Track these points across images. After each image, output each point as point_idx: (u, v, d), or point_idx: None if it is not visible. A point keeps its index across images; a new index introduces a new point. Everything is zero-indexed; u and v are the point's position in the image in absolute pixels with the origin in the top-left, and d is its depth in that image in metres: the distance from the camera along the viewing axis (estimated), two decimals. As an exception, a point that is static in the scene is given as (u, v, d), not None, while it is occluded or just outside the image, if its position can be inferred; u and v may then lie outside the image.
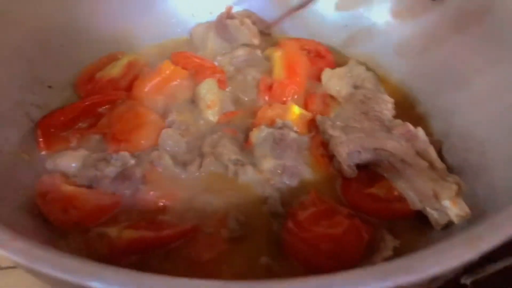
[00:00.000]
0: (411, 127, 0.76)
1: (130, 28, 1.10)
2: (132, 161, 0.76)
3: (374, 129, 0.79)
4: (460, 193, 0.67)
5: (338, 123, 0.82)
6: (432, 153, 0.73)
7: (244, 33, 1.09)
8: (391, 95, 0.99)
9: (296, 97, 0.97)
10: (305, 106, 0.95)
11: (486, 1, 0.84)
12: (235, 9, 1.16)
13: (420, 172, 0.71)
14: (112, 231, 0.66)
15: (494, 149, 0.76)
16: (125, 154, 0.76)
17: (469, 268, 0.70)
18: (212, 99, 0.90)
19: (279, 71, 0.99)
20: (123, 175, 0.74)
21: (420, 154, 0.73)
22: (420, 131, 0.75)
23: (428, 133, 0.91)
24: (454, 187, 0.67)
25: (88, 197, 0.72)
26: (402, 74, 1.04)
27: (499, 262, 0.75)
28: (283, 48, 1.05)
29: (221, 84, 0.95)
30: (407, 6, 1.07)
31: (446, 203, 0.67)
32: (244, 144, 0.85)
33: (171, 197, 0.75)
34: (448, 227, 0.70)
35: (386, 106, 0.82)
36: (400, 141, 0.75)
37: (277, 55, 1.02)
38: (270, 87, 0.98)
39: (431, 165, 0.71)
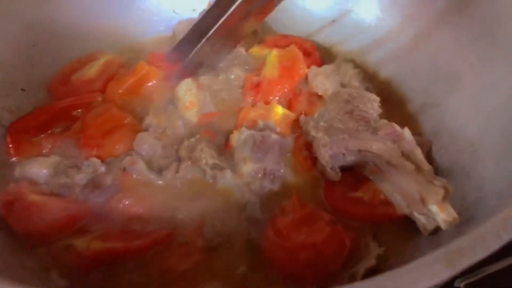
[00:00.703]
0: (397, 127, 0.73)
1: (110, 26, 1.06)
2: (103, 168, 0.72)
3: (359, 130, 0.75)
4: (447, 198, 0.64)
5: (321, 123, 0.78)
6: (419, 154, 0.70)
7: (227, 31, 1.05)
8: (379, 92, 0.96)
9: (282, 97, 0.93)
10: (289, 105, 0.92)
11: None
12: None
13: (406, 175, 0.68)
14: (80, 243, 0.63)
15: (485, 150, 0.72)
16: (96, 160, 0.73)
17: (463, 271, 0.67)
18: (190, 99, 0.86)
19: (271, 70, 0.95)
20: (93, 183, 0.70)
21: (407, 156, 0.69)
22: (406, 132, 0.71)
23: (418, 133, 0.88)
24: (441, 191, 0.63)
25: (56, 206, 0.68)
26: (392, 71, 1.01)
27: (493, 264, 0.73)
28: (281, 47, 1.00)
29: None
30: (396, 1, 1.03)
31: (433, 208, 0.63)
32: (224, 147, 0.81)
33: (145, 205, 0.71)
34: (436, 232, 0.66)
35: (372, 105, 0.78)
36: (386, 142, 0.71)
37: (273, 54, 0.98)
38: (256, 86, 0.94)
39: (418, 168, 0.68)
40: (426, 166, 0.68)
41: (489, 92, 0.77)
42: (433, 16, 0.94)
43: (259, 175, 0.75)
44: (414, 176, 0.67)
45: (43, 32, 0.94)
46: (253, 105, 0.90)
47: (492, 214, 0.51)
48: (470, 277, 0.73)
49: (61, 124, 0.84)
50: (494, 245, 0.40)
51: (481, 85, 0.80)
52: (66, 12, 0.99)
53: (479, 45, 0.82)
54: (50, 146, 0.80)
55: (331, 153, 0.72)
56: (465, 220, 0.64)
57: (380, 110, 0.82)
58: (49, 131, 0.82)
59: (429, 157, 0.81)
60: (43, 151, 0.80)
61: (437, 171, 0.79)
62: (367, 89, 0.92)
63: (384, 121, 0.76)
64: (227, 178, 0.74)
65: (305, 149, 0.81)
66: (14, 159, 0.78)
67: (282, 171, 0.77)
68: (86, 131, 0.79)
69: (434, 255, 0.38)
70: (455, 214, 0.63)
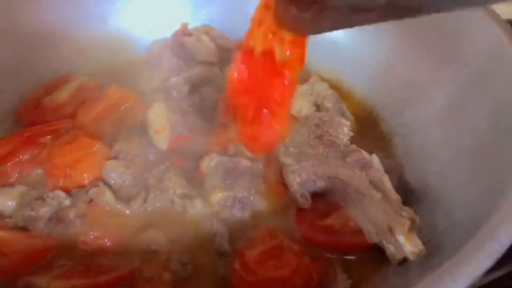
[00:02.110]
0: (365, 154, 0.72)
1: (82, 47, 1.05)
2: (67, 201, 0.70)
3: (328, 155, 0.74)
4: (413, 229, 0.63)
5: (291, 149, 0.77)
6: (387, 183, 0.69)
7: (201, 51, 1.05)
8: (354, 112, 0.96)
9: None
10: (264, 127, 0.90)
11: (443, 21, 0.80)
12: (194, 25, 1.12)
13: (374, 204, 0.67)
14: (41, 281, 0.61)
15: (453, 174, 0.72)
16: (60, 193, 0.71)
17: None
18: (160, 123, 0.85)
19: None
20: (57, 217, 0.69)
21: (375, 184, 0.69)
22: (374, 159, 0.71)
23: (391, 154, 0.88)
24: (407, 222, 0.62)
25: (19, 242, 0.66)
26: (366, 90, 1.01)
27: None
28: None
29: None
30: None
31: (400, 238, 0.63)
32: (195, 173, 0.80)
33: (112, 237, 0.70)
34: (405, 262, 0.66)
35: (343, 130, 0.77)
36: (355, 170, 0.70)
37: None
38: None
39: (385, 197, 0.67)
40: (394, 195, 0.68)
41: (457, 114, 0.77)
42: (407, 36, 0.93)
43: (229, 204, 0.74)
44: (381, 205, 0.66)
45: (10, 55, 0.92)
46: (225, 127, 0.89)
47: (458, 247, 0.51)
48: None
49: (30, 152, 0.82)
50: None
51: (450, 105, 0.80)
52: (35, 33, 0.97)
53: (449, 66, 0.82)
54: (16, 175, 0.78)
55: (300, 180, 0.72)
56: (435, 249, 0.64)
57: (351, 134, 0.81)
58: (17, 160, 0.80)
59: (402, 181, 0.81)
60: (10, 180, 0.78)
61: (410, 195, 0.79)
62: (341, 110, 0.92)
63: (354, 146, 0.75)
64: (196, 208, 0.73)
65: (278, 174, 0.80)
66: (-22, 190, 0.76)
67: (252, 198, 0.75)
68: (53, 160, 0.78)
69: None
70: (421, 246, 0.62)
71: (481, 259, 0.43)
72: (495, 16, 0.75)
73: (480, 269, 0.43)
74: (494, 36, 0.73)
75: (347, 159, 0.72)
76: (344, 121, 0.79)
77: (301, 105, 0.92)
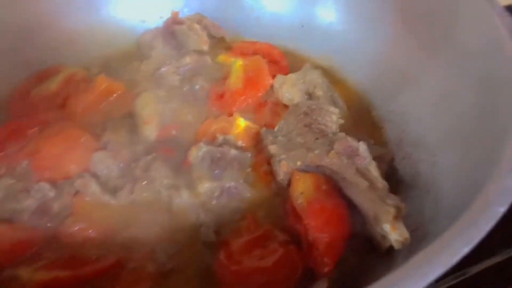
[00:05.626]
0: (352, 142, 0.71)
1: (73, 37, 1.04)
2: (51, 193, 0.70)
3: (316, 144, 0.73)
4: (399, 217, 0.62)
5: (280, 137, 0.76)
6: (374, 171, 0.68)
7: (192, 39, 1.04)
8: (346, 99, 0.95)
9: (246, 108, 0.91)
10: (255, 117, 0.90)
11: (436, 8, 0.78)
12: (186, 13, 1.11)
13: (361, 192, 0.66)
14: (24, 273, 0.61)
15: (444, 163, 0.71)
16: (44, 185, 0.71)
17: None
18: (149, 113, 0.84)
19: (236, 80, 0.93)
20: (42, 209, 0.68)
21: (362, 172, 0.67)
22: (361, 147, 0.70)
23: (383, 141, 0.87)
24: (392, 210, 0.61)
25: (3, 234, 0.66)
26: (359, 76, 1.00)
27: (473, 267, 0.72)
28: (245, 57, 0.98)
29: None
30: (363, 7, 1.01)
31: (386, 227, 0.62)
32: (183, 163, 0.79)
33: (98, 228, 0.70)
34: (391, 251, 0.65)
35: (331, 118, 0.76)
36: (341, 158, 0.69)
37: (238, 63, 0.96)
38: (220, 97, 0.93)
39: (372, 185, 0.66)
40: (380, 183, 0.67)
41: (449, 101, 0.75)
42: (400, 23, 0.92)
43: (216, 194, 0.73)
44: (368, 193, 0.65)
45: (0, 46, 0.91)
46: (217, 117, 0.88)
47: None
48: (450, 280, 0.73)
49: (17, 144, 0.81)
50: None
51: (443, 93, 0.78)
52: (25, 24, 0.96)
53: (441, 53, 0.80)
54: (3, 168, 0.78)
55: (287, 170, 0.71)
56: (421, 238, 0.63)
57: (341, 122, 0.80)
58: (3, 152, 0.80)
59: (392, 168, 0.80)
60: (-3, 173, 0.78)
61: (400, 183, 0.78)
62: (332, 98, 0.91)
63: (341, 134, 0.74)
64: (183, 198, 0.73)
65: (266, 163, 0.79)
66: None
67: (240, 188, 0.75)
68: (40, 151, 0.77)
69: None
70: (406, 234, 0.61)
71: (458, 246, 0.42)
72: (492, 1, 0.73)
73: (457, 255, 0.42)
74: (490, 23, 0.71)
75: (334, 147, 0.70)
76: (332, 109, 0.78)
77: (292, 93, 0.91)
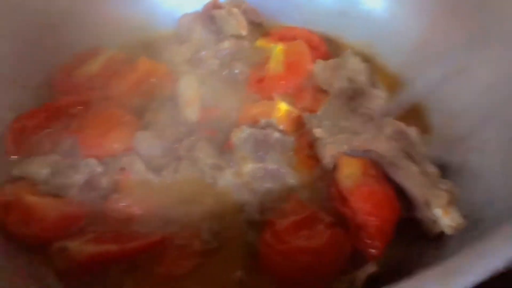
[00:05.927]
0: (402, 126, 0.69)
1: (113, 20, 1.05)
2: (99, 169, 0.71)
3: (363, 128, 0.72)
4: (452, 202, 0.61)
5: (324, 122, 0.75)
6: (423, 156, 0.66)
7: (231, 24, 1.03)
8: (388, 86, 0.93)
9: (286, 93, 0.90)
10: (295, 101, 0.89)
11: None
12: (226, -2, 1.10)
13: (410, 177, 0.65)
14: (74, 245, 0.62)
15: (492, 150, 0.69)
16: (92, 161, 0.71)
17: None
18: (191, 95, 0.84)
19: (276, 65, 0.93)
20: (90, 184, 0.69)
21: (411, 157, 0.66)
22: (412, 131, 0.68)
23: (427, 129, 0.85)
24: (446, 195, 0.60)
25: (52, 208, 0.67)
26: (400, 63, 0.97)
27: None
28: (287, 41, 0.98)
29: None
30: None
31: (437, 212, 0.61)
32: (225, 145, 0.79)
33: (143, 206, 0.70)
34: (442, 236, 0.64)
35: (377, 102, 0.75)
36: (390, 142, 0.68)
37: (279, 48, 0.95)
38: (260, 82, 0.92)
39: (422, 170, 0.65)
40: (431, 168, 0.65)
41: (497, 89, 0.73)
42: (446, 12, 0.89)
43: (259, 175, 0.73)
44: (418, 178, 0.64)
45: (44, 27, 0.92)
46: (257, 101, 0.88)
47: (500, 220, 0.49)
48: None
49: (62, 122, 0.83)
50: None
51: (491, 81, 0.76)
52: (67, 6, 0.97)
53: (492, 42, 0.78)
54: (50, 145, 0.79)
55: (332, 153, 0.70)
56: (473, 224, 0.61)
57: (387, 107, 0.78)
58: (50, 129, 0.81)
59: (438, 156, 0.78)
60: (43, 150, 0.79)
61: (446, 171, 0.76)
62: (374, 84, 0.89)
63: (390, 119, 0.72)
64: (226, 178, 0.73)
65: (308, 147, 0.79)
66: (13, 157, 0.77)
67: (283, 170, 0.74)
68: (85, 130, 0.78)
69: (426, 274, 0.36)
70: (460, 220, 0.60)
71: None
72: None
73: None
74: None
75: (384, 131, 0.69)
76: (379, 92, 0.76)
77: (332, 79, 0.90)
